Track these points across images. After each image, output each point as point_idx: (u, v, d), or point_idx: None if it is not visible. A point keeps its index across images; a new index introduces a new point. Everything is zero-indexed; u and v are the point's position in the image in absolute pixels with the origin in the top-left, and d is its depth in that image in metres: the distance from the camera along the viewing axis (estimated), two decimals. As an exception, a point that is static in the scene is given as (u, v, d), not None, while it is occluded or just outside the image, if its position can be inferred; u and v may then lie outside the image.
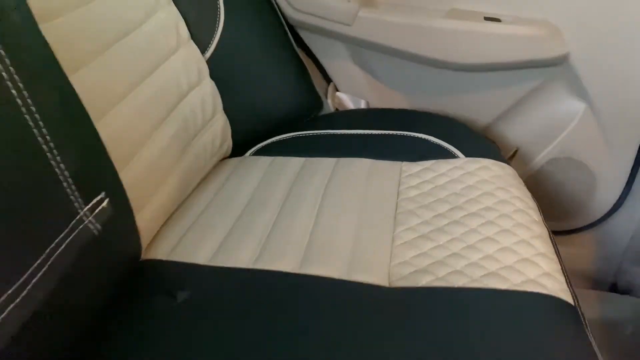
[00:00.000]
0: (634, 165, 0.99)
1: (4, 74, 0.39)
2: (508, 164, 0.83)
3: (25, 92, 0.41)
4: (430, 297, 0.56)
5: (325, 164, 0.80)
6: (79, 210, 0.47)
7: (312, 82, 1.00)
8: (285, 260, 0.62)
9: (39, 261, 0.43)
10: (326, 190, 0.74)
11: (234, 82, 0.86)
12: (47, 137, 0.43)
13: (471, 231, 0.64)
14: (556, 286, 0.57)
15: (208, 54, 0.82)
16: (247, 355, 0.49)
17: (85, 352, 0.52)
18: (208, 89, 0.81)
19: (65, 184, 0.45)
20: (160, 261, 0.64)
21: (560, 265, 0.63)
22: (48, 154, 0.43)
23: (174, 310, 0.56)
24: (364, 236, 0.65)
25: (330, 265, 0.60)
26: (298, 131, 0.92)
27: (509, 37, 0.91)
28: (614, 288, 1.11)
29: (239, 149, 0.90)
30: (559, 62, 0.92)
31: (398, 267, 0.60)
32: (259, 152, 0.89)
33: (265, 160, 0.84)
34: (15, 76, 0.40)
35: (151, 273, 0.62)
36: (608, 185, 1.03)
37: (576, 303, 0.58)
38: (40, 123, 0.42)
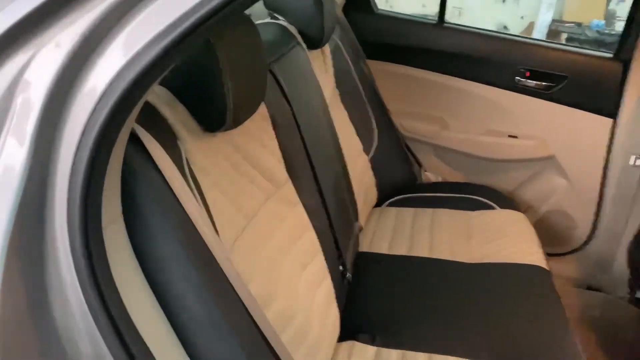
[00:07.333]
0: (595, 219, 1.77)
1: None
2: (523, 212, 1.63)
3: None
4: (484, 267, 1.35)
5: (428, 212, 1.62)
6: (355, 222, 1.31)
7: (414, 169, 1.85)
8: (420, 250, 1.43)
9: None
10: (432, 223, 1.55)
11: (380, 170, 1.71)
12: None
13: (501, 241, 1.44)
14: (539, 260, 1.36)
15: (369, 155, 1.68)
16: (410, 290, 1.30)
17: None
18: (370, 176, 1.67)
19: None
20: (366, 252, 1.45)
21: (545, 258, 1.41)
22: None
23: (379, 270, 1.37)
24: (453, 235, 1.46)
25: (440, 253, 1.41)
26: (409, 193, 1.75)
27: (521, 145, 1.75)
28: (589, 287, 1.87)
29: (379, 203, 1.73)
30: (549, 158, 1.74)
31: (474, 252, 1.40)
32: (390, 204, 1.72)
33: (395, 209, 1.66)
34: None
35: (368, 257, 1.44)
36: (581, 227, 1.82)
37: (550, 270, 1.36)
38: None
